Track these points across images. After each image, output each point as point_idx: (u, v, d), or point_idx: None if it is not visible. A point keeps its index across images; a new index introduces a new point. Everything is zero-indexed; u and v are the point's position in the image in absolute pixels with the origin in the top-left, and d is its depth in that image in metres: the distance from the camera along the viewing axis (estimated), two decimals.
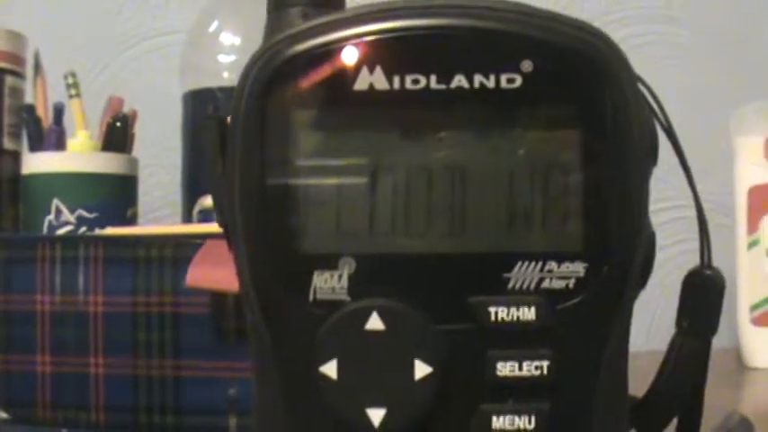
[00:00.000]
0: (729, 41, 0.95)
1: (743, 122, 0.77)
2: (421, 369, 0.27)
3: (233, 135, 0.28)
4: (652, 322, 0.91)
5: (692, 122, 0.94)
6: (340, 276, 0.27)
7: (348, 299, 0.27)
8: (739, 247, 0.76)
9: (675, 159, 0.32)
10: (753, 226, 0.75)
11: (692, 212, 0.32)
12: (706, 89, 0.94)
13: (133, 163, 0.73)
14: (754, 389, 0.69)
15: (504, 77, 0.27)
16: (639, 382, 0.32)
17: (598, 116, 0.27)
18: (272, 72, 0.27)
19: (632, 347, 0.29)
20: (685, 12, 0.94)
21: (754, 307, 0.75)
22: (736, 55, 0.95)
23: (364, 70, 0.27)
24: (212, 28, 0.74)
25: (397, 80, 0.27)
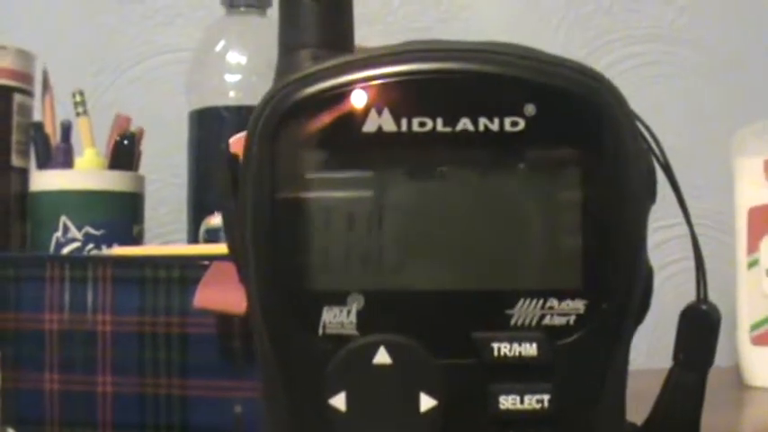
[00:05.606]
0: (730, 62, 0.96)
1: (743, 143, 0.77)
2: (426, 402, 0.28)
3: (244, 175, 0.29)
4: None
5: (693, 142, 0.95)
6: (349, 312, 0.28)
7: (356, 334, 0.28)
8: (739, 267, 0.76)
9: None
10: (753, 246, 0.75)
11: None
12: (707, 109, 0.94)
13: (140, 181, 0.73)
14: (754, 408, 0.69)
15: (507, 121, 0.28)
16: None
17: (598, 157, 0.28)
18: (283, 114, 0.28)
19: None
20: (687, 32, 0.95)
21: (754, 326, 0.75)
22: (736, 76, 0.96)
23: (373, 113, 0.28)
24: (218, 47, 0.74)
25: (404, 122, 0.28)
